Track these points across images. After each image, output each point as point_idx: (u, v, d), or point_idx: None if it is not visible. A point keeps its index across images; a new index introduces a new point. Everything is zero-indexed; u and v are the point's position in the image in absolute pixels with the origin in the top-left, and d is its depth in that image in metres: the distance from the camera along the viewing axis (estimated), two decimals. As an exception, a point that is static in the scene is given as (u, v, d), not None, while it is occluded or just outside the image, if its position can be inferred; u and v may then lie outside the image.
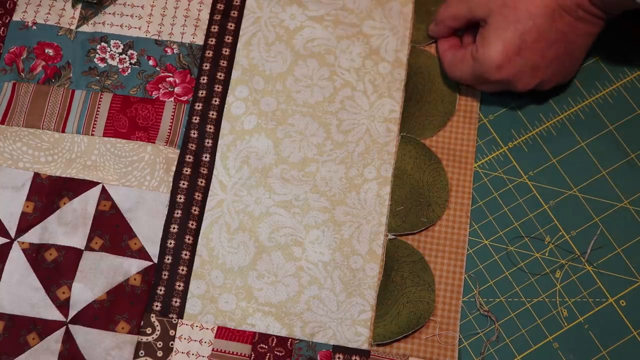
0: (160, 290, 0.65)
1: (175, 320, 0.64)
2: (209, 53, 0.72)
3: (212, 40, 0.73)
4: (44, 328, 0.64)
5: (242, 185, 0.68)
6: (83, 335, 0.64)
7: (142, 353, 0.63)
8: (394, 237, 0.66)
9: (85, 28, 0.73)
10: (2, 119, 0.70)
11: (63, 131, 0.70)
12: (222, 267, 0.66)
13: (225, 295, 0.65)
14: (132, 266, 0.66)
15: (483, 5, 0.65)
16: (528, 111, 0.70)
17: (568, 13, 0.64)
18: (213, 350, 0.63)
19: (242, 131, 0.70)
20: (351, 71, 0.72)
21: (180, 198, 0.68)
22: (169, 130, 0.70)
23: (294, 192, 0.68)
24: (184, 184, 0.68)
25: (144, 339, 0.64)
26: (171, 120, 0.70)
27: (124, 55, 0.72)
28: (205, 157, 0.69)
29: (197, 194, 0.68)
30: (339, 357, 0.63)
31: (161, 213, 0.67)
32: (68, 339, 0.63)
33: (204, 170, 0.69)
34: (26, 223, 0.67)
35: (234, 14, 0.74)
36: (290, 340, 0.64)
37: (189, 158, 0.69)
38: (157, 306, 0.65)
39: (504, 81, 0.65)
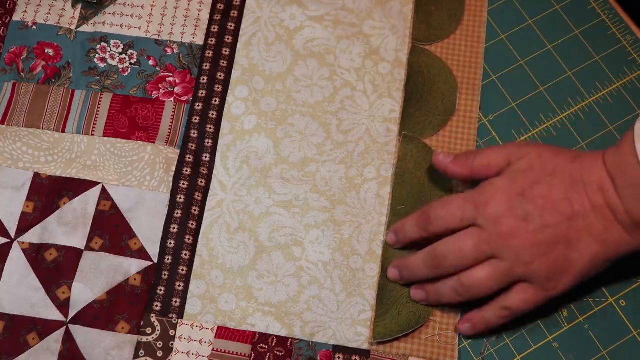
0: (160, 290, 0.65)
1: (175, 320, 0.64)
2: (209, 53, 0.72)
3: (212, 40, 0.73)
4: (44, 328, 0.64)
5: (242, 185, 0.68)
6: (83, 335, 0.64)
7: (142, 353, 0.63)
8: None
9: (85, 28, 0.73)
10: (2, 119, 0.70)
11: (63, 131, 0.70)
12: (222, 267, 0.66)
13: (225, 295, 0.65)
14: (132, 266, 0.66)
15: (522, 151, 0.60)
16: (528, 111, 0.70)
17: (586, 192, 0.57)
18: (213, 350, 0.63)
19: (242, 131, 0.70)
20: (351, 71, 0.72)
21: (180, 198, 0.68)
22: (169, 130, 0.70)
23: (294, 192, 0.68)
24: (184, 184, 0.68)
25: (144, 339, 0.64)
26: (171, 120, 0.70)
27: (124, 55, 0.72)
28: (205, 157, 0.69)
29: (197, 194, 0.68)
30: (339, 357, 0.63)
31: (161, 213, 0.67)
32: (68, 339, 0.63)
33: (204, 170, 0.69)
34: (26, 223, 0.67)
35: (234, 14, 0.74)
36: (290, 340, 0.64)
37: (189, 158, 0.69)
38: (157, 306, 0.65)
39: (491, 214, 0.58)
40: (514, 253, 0.57)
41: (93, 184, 0.68)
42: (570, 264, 0.57)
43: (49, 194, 0.68)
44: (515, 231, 0.57)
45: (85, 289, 0.65)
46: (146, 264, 0.66)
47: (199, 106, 0.71)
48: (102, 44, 0.73)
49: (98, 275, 0.65)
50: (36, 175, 0.68)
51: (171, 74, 0.72)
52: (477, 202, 0.59)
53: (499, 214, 0.58)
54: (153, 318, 0.64)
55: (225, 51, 0.72)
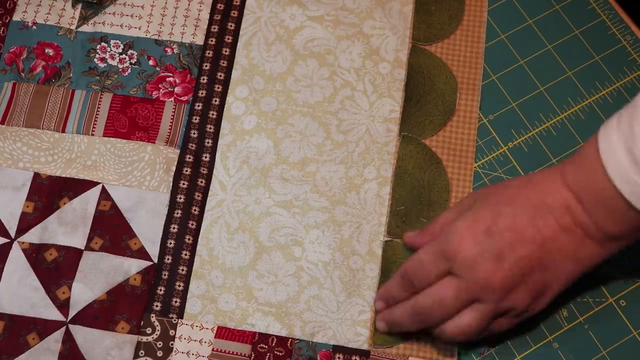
0: (160, 290, 0.65)
1: (175, 320, 0.64)
2: (209, 53, 0.72)
3: (212, 40, 0.73)
4: (44, 328, 0.64)
5: (242, 185, 0.68)
6: (83, 335, 0.64)
7: (142, 353, 0.63)
8: (390, 239, 0.66)
9: (85, 28, 0.73)
10: (2, 119, 0.70)
11: (63, 131, 0.70)
12: (222, 267, 0.66)
13: (225, 295, 0.65)
14: (132, 266, 0.66)
15: (470, 200, 0.61)
16: (528, 111, 0.70)
17: (552, 214, 0.56)
18: (213, 350, 0.63)
19: (242, 131, 0.70)
20: (351, 71, 0.72)
21: (180, 198, 0.68)
22: (169, 130, 0.70)
23: (294, 192, 0.68)
24: (184, 184, 0.68)
25: (144, 339, 0.64)
26: (171, 120, 0.70)
27: (124, 55, 0.72)
28: (205, 157, 0.69)
29: (197, 193, 0.68)
30: (339, 357, 0.63)
31: (161, 213, 0.67)
32: (68, 339, 0.63)
33: (204, 170, 0.69)
34: (26, 223, 0.67)
35: (234, 13, 0.74)
36: (290, 340, 0.64)
37: (189, 158, 0.69)
38: (157, 306, 0.65)
39: (464, 261, 0.56)
40: (497, 295, 0.57)
41: (93, 184, 0.68)
42: (548, 286, 0.58)
43: (49, 194, 0.68)
44: (492, 273, 0.56)
45: (85, 289, 0.65)
46: (146, 264, 0.66)
47: (199, 106, 0.71)
48: (102, 44, 0.73)
49: (98, 275, 0.65)
50: (36, 175, 0.68)
51: (171, 74, 0.72)
52: (446, 253, 0.57)
53: (471, 259, 0.56)
54: (153, 318, 0.64)
55: (225, 51, 0.72)
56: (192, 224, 0.67)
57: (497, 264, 0.56)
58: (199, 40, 0.73)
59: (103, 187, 0.68)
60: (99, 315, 0.64)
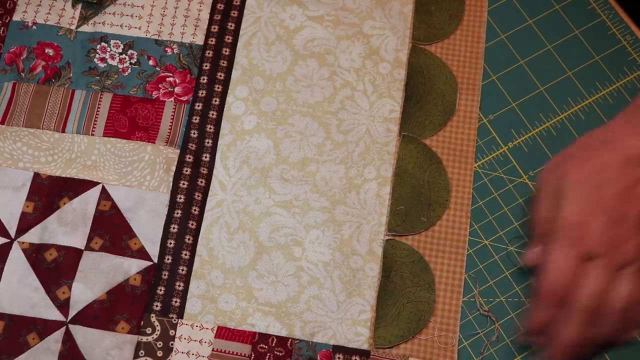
0: (160, 290, 0.65)
1: (175, 320, 0.64)
2: (209, 53, 0.72)
3: (212, 40, 0.73)
4: (44, 328, 0.64)
5: (242, 185, 0.68)
6: (83, 335, 0.64)
7: (142, 353, 0.63)
8: (391, 237, 0.66)
9: (85, 28, 0.73)
10: (2, 119, 0.70)
11: (63, 131, 0.70)
12: (222, 267, 0.66)
13: (225, 295, 0.65)
14: (132, 266, 0.66)
15: (549, 187, 0.59)
16: (528, 111, 0.70)
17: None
18: (213, 350, 0.63)
19: (242, 131, 0.70)
20: (351, 71, 0.72)
21: (180, 198, 0.68)
22: (169, 130, 0.70)
23: (294, 192, 0.68)
24: (184, 184, 0.68)
25: (144, 338, 0.64)
26: (171, 120, 0.70)
27: (124, 55, 0.72)
28: (205, 157, 0.69)
29: (197, 193, 0.68)
30: (339, 357, 0.63)
31: (161, 213, 0.67)
32: (68, 339, 0.63)
33: (204, 170, 0.69)
34: (26, 223, 0.67)
35: (234, 13, 0.74)
36: (290, 340, 0.64)
37: (189, 158, 0.69)
38: (157, 306, 0.65)
39: (600, 242, 0.55)
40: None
41: (93, 184, 0.68)
42: None
43: (49, 194, 0.68)
44: (629, 236, 0.55)
45: (85, 289, 0.65)
46: (146, 264, 0.66)
47: (199, 106, 0.71)
48: (102, 44, 0.73)
49: (98, 275, 0.65)
50: (36, 175, 0.68)
51: (171, 74, 0.72)
52: (574, 240, 0.56)
53: (605, 231, 0.56)
54: (153, 318, 0.64)
55: (225, 51, 0.72)
56: (192, 224, 0.67)
57: (618, 232, 0.55)
58: (199, 40, 0.73)
59: (103, 187, 0.68)
60: (99, 315, 0.64)
